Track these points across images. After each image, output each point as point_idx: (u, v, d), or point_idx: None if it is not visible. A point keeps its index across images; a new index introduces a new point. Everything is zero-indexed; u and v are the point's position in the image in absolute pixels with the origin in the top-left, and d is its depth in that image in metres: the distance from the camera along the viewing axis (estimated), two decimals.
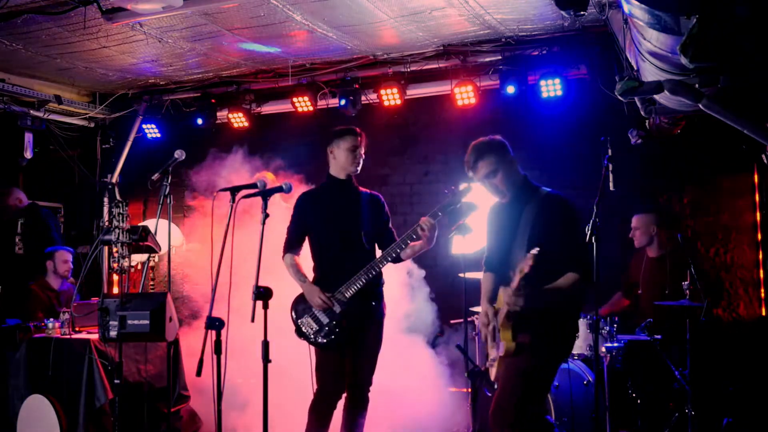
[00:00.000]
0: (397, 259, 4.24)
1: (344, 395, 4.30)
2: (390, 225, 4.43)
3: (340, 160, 4.31)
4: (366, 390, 4.29)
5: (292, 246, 4.35)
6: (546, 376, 3.58)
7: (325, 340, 4.17)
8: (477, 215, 4.00)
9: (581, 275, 3.47)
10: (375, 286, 4.28)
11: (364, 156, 4.36)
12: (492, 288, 3.73)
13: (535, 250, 3.21)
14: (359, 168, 4.35)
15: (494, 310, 3.63)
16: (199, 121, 7.26)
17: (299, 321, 4.26)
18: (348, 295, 4.15)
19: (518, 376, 3.45)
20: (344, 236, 4.25)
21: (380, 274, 4.30)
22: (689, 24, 2.76)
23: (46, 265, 6.16)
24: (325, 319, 4.18)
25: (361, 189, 4.43)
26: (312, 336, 4.21)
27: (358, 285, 4.14)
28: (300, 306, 4.28)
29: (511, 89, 6.09)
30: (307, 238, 4.40)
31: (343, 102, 6.57)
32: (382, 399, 4.61)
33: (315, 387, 4.27)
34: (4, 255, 6.93)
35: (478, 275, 3.96)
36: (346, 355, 4.25)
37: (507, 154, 3.66)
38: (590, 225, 4.75)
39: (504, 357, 3.50)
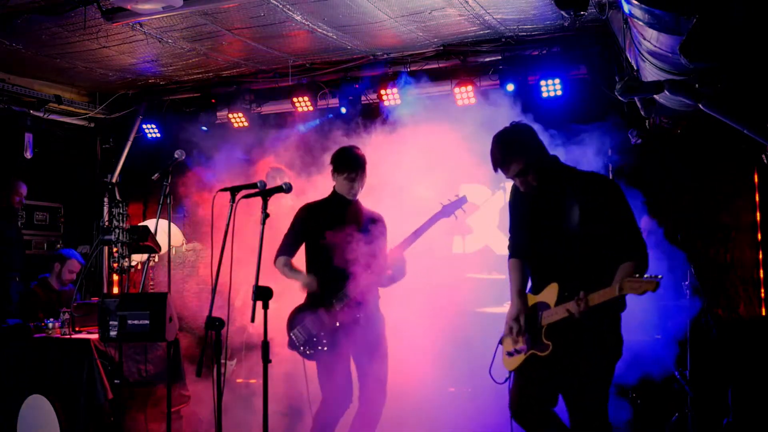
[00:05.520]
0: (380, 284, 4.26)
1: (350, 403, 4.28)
2: (385, 250, 4.37)
3: (338, 185, 4.35)
4: (378, 405, 4.25)
5: (286, 251, 4.34)
6: (605, 380, 3.23)
7: (311, 351, 4.17)
8: (479, 214, 4.00)
9: (638, 263, 3.05)
10: (368, 298, 4.26)
11: (364, 183, 4.35)
12: (522, 277, 3.45)
13: (652, 276, 2.80)
14: (356, 195, 4.35)
15: (526, 304, 3.33)
16: (199, 121, 7.25)
17: (291, 333, 4.25)
18: (338, 306, 4.16)
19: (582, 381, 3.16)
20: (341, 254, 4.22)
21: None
22: (689, 24, 2.76)
23: (54, 265, 6.16)
24: (314, 329, 4.18)
25: (365, 209, 4.42)
26: (301, 347, 4.20)
27: (348, 297, 4.15)
28: (294, 319, 4.27)
29: (511, 89, 6.07)
30: (303, 248, 4.39)
31: (343, 110, 6.60)
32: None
33: (317, 396, 4.24)
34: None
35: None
36: (354, 365, 4.25)
37: (533, 142, 3.30)
38: None
39: (544, 356, 3.22)
